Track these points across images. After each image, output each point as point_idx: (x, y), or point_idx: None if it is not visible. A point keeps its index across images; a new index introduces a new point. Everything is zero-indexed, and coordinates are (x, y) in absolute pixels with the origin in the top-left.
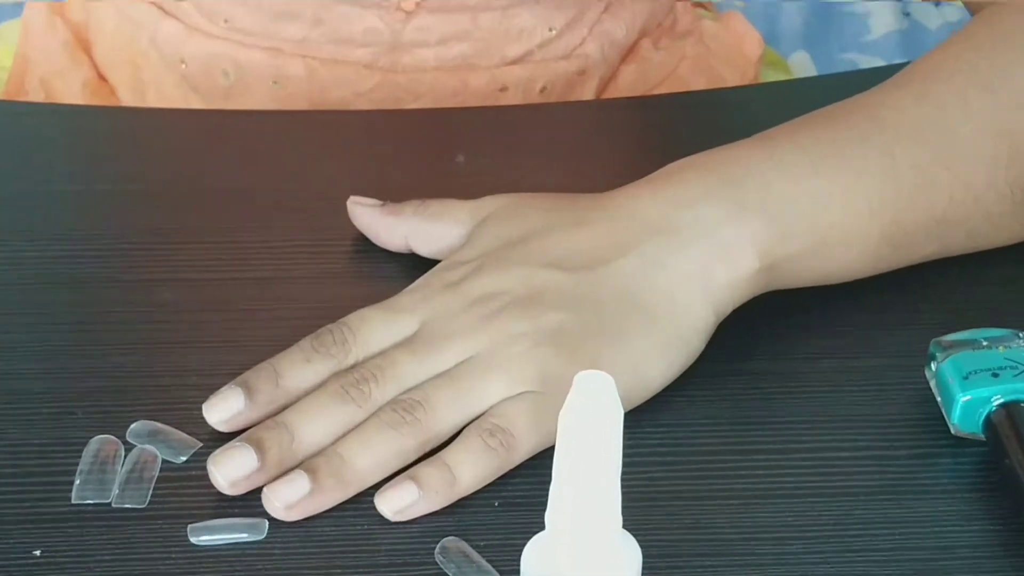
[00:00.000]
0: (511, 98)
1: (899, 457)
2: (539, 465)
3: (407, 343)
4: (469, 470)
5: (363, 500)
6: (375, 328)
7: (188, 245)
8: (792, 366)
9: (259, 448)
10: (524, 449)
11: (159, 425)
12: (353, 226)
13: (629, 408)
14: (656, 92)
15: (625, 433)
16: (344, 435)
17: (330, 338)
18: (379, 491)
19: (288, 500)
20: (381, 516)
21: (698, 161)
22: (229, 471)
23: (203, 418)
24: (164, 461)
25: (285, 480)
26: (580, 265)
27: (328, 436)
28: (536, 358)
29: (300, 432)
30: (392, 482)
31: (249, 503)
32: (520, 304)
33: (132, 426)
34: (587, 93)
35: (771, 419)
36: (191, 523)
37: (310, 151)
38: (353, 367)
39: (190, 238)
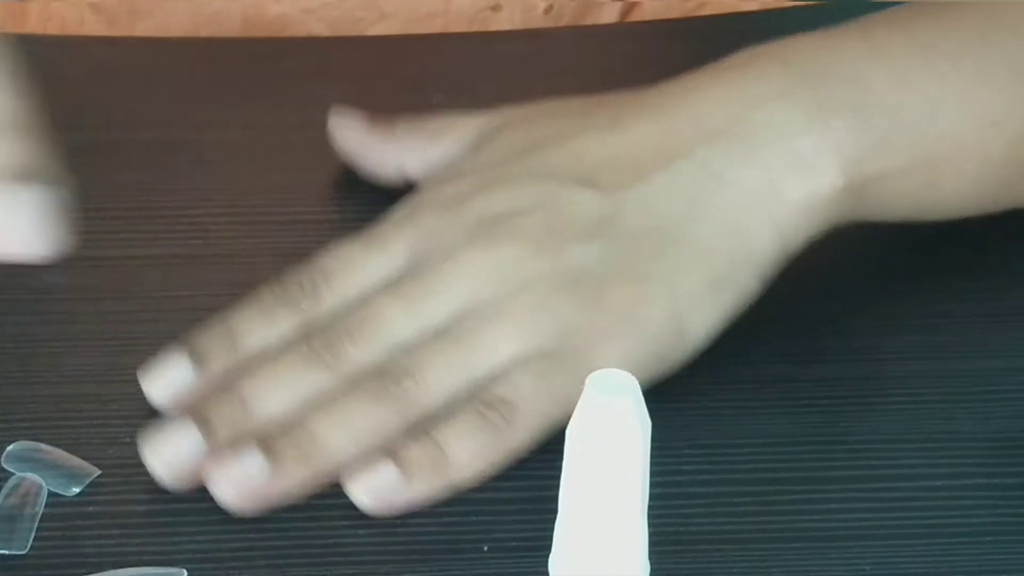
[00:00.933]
0: (506, 20)
1: (1012, 487)
2: (540, 498)
3: (394, 288)
4: (461, 446)
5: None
6: (354, 269)
7: (84, 215)
8: (871, 368)
9: (205, 425)
10: (529, 423)
11: (44, 447)
12: (302, 188)
13: (665, 373)
14: (698, 13)
15: (654, 455)
16: (312, 406)
17: (298, 288)
18: (350, 473)
19: (239, 480)
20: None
21: (777, 50)
22: (166, 455)
23: (102, 438)
24: (51, 494)
25: (236, 454)
26: (612, 181)
27: (291, 408)
28: (553, 306)
29: (257, 403)
30: (365, 460)
31: (165, 546)
32: (536, 232)
33: (9, 448)
34: (608, 14)
35: (844, 438)
36: (86, 575)
37: (240, 91)
38: (326, 322)
39: (86, 205)
